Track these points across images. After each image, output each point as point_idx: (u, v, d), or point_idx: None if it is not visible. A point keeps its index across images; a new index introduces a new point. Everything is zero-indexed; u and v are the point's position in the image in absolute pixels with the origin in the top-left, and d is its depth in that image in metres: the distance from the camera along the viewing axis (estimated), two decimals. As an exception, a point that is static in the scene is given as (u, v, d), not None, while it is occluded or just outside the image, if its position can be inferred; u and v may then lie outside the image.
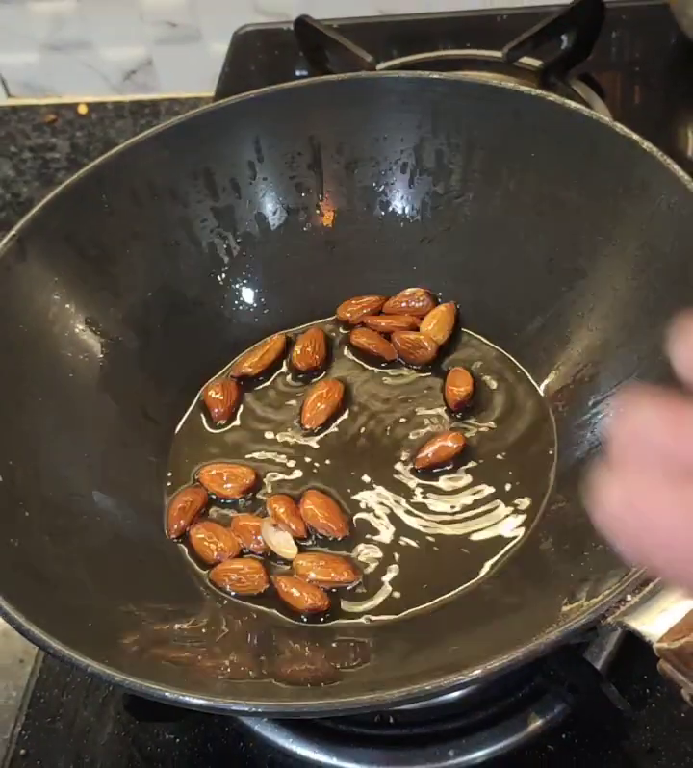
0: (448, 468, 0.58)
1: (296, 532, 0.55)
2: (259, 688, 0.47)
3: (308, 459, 0.60)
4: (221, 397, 0.63)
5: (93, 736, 0.57)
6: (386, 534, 0.56)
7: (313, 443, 0.61)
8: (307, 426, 0.61)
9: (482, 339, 0.64)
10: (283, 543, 0.55)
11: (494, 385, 0.62)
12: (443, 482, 0.58)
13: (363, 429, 0.61)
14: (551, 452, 0.58)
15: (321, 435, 0.61)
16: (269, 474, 0.59)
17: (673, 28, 0.88)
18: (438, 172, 0.64)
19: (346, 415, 0.62)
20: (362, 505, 0.57)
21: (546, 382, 0.60)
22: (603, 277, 0.58)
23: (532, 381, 0.61)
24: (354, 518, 0.56)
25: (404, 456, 0.59)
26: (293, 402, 0.63)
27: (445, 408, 0.61)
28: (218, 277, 0.65)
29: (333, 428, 0.61)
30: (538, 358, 0.61)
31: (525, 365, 0.62)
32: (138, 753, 0.56)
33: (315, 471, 0.59)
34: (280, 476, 0.59)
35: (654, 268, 0.55)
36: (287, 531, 0.55)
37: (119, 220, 0.62)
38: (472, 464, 0.58)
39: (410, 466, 0.58)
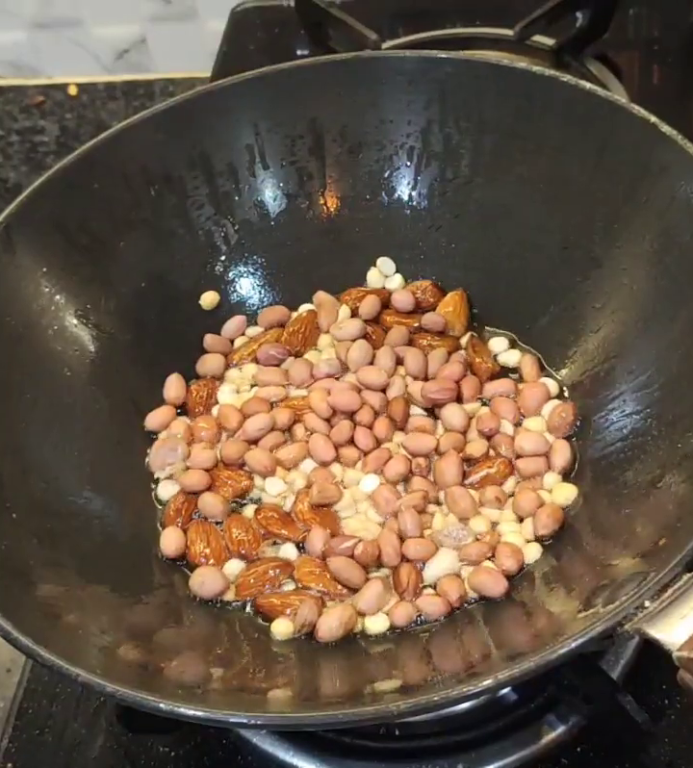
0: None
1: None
2: (258, 699, 0.46)
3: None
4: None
5: (84, 749, 0.56)
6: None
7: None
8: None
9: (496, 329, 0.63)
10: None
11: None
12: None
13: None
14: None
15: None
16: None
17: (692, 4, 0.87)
18: (446, 157, 0.64)
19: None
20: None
21: (560, 377, 0.59)
22: (619, 267, 0.57)
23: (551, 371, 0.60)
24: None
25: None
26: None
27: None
28: (216, 267, 0.65)
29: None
30: (552, 352, 0.60)
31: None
32: (130, 766, 0.55)
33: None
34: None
35: (672, 257, 0.54)
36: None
37: (111, 208, 0.62)
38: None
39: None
